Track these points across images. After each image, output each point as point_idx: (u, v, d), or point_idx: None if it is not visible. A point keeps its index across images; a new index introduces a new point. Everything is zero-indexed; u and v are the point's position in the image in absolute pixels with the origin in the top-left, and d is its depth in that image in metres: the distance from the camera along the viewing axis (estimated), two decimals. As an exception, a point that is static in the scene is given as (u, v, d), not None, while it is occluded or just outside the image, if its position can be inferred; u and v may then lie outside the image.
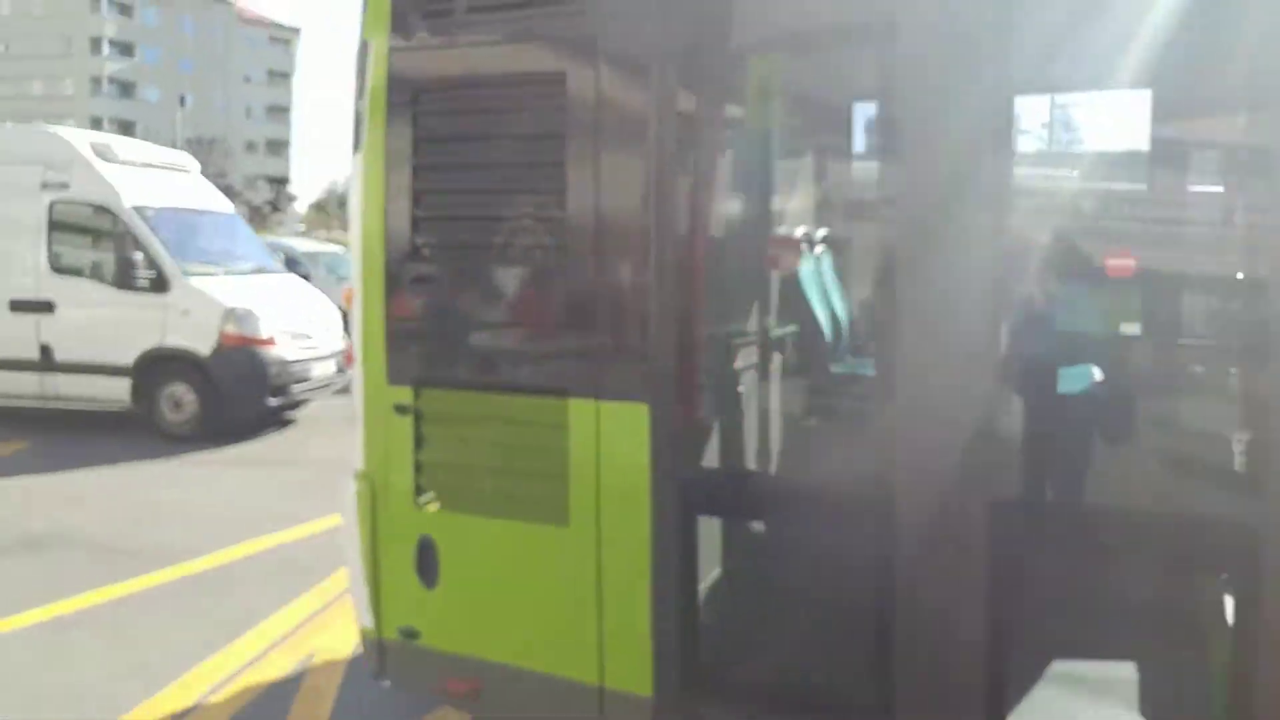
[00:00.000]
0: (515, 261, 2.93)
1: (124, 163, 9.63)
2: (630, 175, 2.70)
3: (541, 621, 2.98)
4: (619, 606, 2.81)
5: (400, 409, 3.07)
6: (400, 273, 3.05)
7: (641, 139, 2.66)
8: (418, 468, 3.08)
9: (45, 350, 9.20)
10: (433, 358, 3.08)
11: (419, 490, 3.08)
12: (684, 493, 2.74)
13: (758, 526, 3.46)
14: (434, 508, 3.07)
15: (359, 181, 3.08)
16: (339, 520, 3.30)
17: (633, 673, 2.81)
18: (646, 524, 2.75)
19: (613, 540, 2.81)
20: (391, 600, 3.16)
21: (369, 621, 3.21)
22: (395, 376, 3.08)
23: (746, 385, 3.47)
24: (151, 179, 9.83)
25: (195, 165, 10.98)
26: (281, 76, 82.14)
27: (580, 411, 2.83)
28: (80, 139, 9.76)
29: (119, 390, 9.09)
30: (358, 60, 3.05)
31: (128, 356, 8.98)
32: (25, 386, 9.34)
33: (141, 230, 9.11)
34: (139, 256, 9.04)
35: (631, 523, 2.78)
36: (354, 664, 4.17)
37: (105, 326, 9.12)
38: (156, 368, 8.99)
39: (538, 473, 2.91)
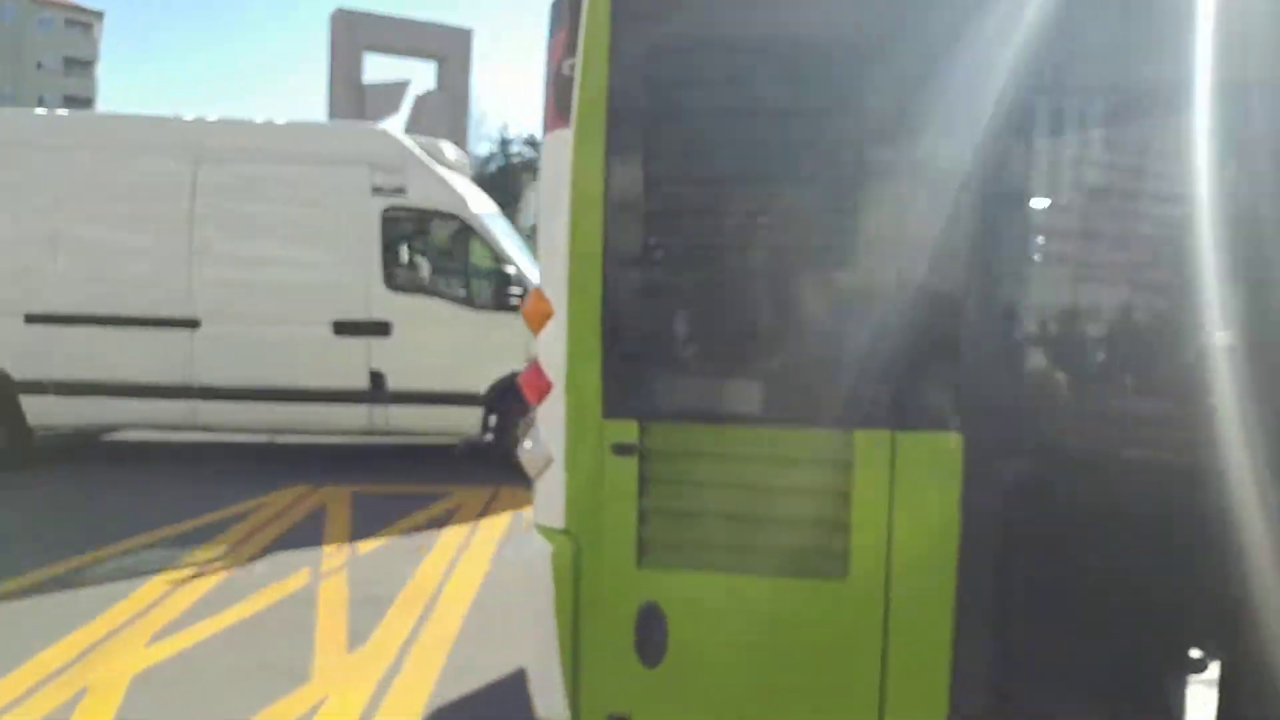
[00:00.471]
0: (781, 265, 2.43)
1: (451, 165, 8.16)
2: (944, 160, 2.26)
3: (799, 689, 2.48)
4: (905, 659, 2.37)
5: (621, 449, 2.48)
6: (625, 281, 2.46)
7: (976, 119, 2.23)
8: (642, 519, 2.50)
9: (377, 378, 7.64)
10: (667, 386, 2.52)
11: (642, 548, 2.51)
12: (1001, 533, 2.33)
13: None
14: (664, 568, 2.50)
15: (564, 166, 2.47)
16: (512, 587, 2.67)
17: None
18: (950, 570, 2.33)
19: (904, 590, 2.36)
20: (598, 684, 2.56)
21: (562, 713, 2.59)
22: (614, 409, 2.49)
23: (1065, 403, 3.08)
24: (465, 181, 8.40)
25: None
26: (81, 65, 74.79)
27: (870, 445, 2.36)
28: (405, 136, 8.12)
29: (465, 420, 7.76)
30: (562, 7, 2.46)
31: (480, 383, 7.65)
32: (351, 420, 7.77)
33: (496, 241, 7.74)
34: (506, 270, 7.67)
35: (930, 569, 2.34)
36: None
37: (454, 350, 7.69)
38: (512, 394, 6.85)
39: (808, 519, 2.42)
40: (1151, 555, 2.34)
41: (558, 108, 2.47)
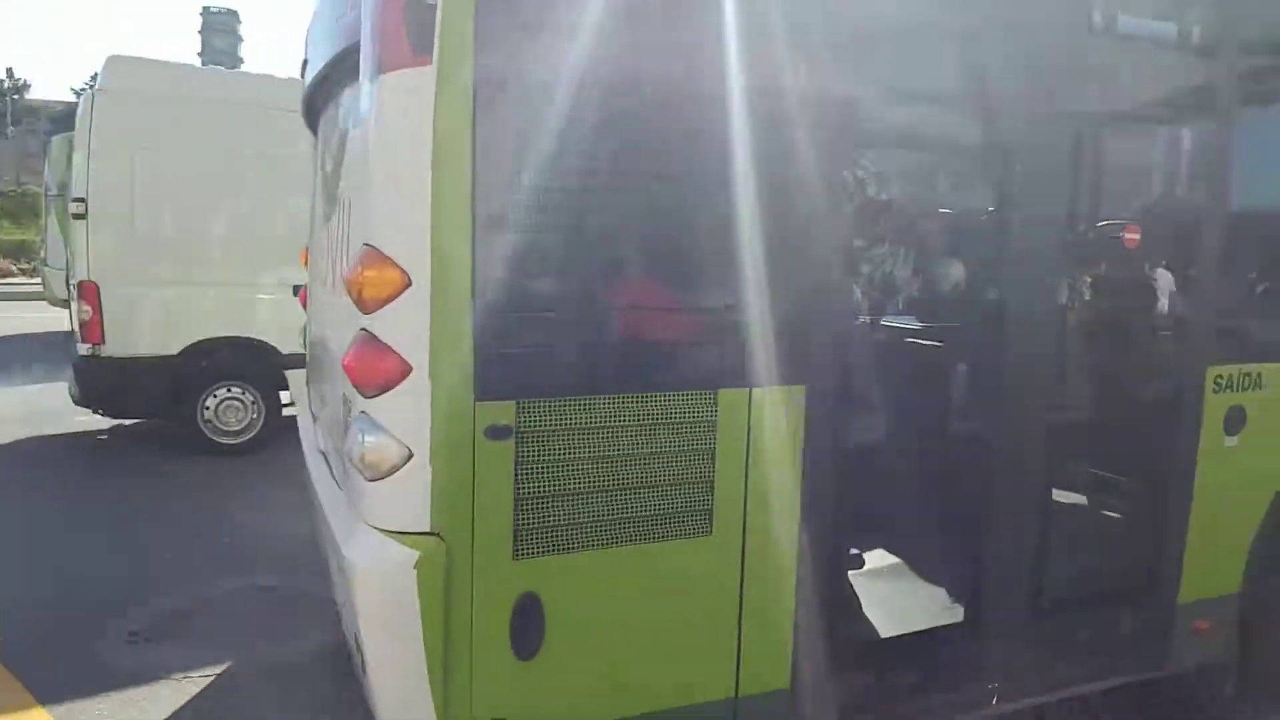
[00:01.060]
0: (664, 229, 2.39)
1: None
2: (807, 126, 2.43)
3: (672, 653, 2.55)
4: (760, 607, 2.59)
5: (497, 433, 2.24)
6: (500, 246, 2.19)
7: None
8: (518, 507, 2.30)
9: None
10: (544, 360, 2.31)
11: (518, 538, 2.31)
12: (837, 477, 2.64)
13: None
14: (540, 556, 2.34)
15: (419, 113, 2.09)
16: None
17: (770, 671, 2.63)
18: (795, 514, 2.58)
19: (758, 539, 2.56)
20: (474, 694, 2.32)
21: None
22: (490, 389, 2.22)
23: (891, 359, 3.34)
24: None
25: None
26: None
27: (731, 403, 2.47)
28: None
29: None
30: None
31: None
32: None
33: None
34: None
35: (779, 515, 2.57)
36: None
37: None
38: None
39: (680, 481, 2.46)
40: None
41: (411, 42, 2.08)
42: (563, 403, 2.31)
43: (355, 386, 2.28)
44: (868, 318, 2.96)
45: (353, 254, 2.39)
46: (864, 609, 2.82)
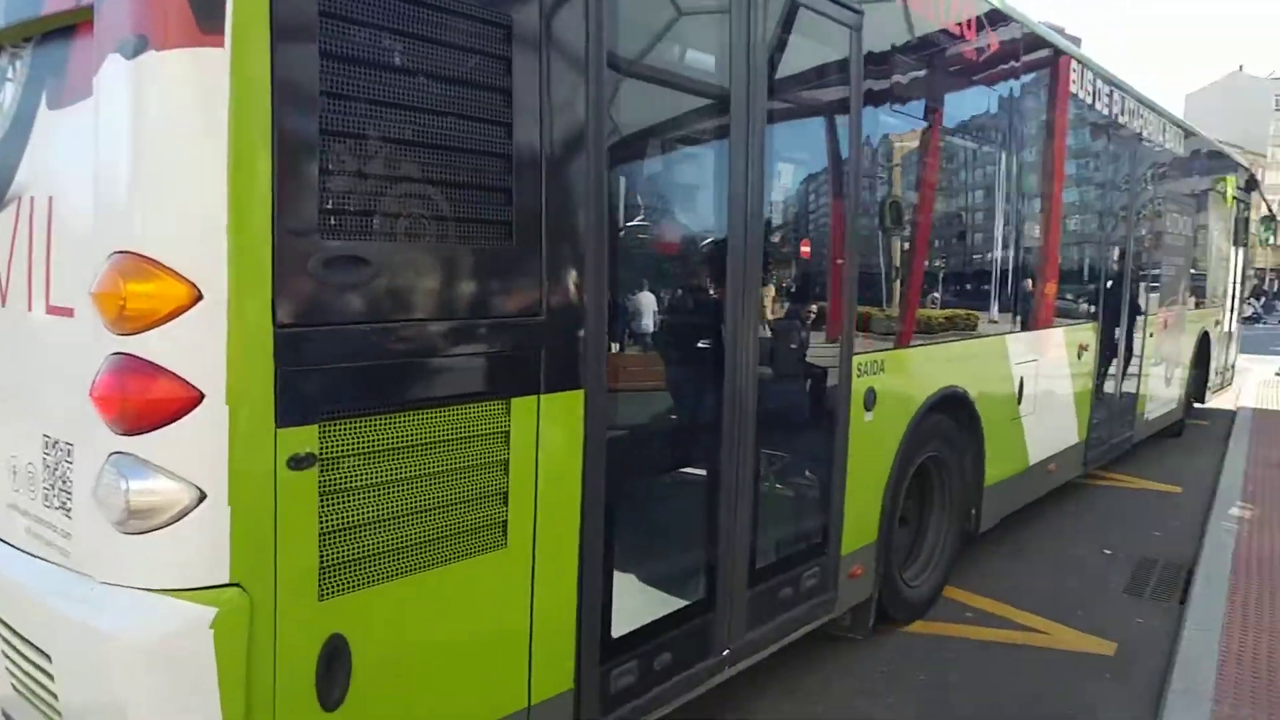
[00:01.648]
0: (465, 235, 2.30)
1: None
2: (583, 132, 2.52)
3: (473, 673, 2.49)
4: (548, 613, 2.64)
5: (299, 462, 1.99)
6: (301, 256, 1.96)
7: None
8: (323, 542, 2.07)
9: None
10: (348, 377, 2.09)
11: (324, 577, 2.08)
12: (613, 478, 2.76)
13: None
14: (345, 593, 2.13)
15: (210, 99, 1.80)
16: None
17: (557, 674, 2.69)
18: (576, 517, 2.67)
19: (546, 545, 2.60)
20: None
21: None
22: (290, 414, 1.97)
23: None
24: None
25: None
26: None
27: (522, 411, 2.48)
28: None
29: None
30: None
31: None
32: None
33: None
34: None
35: (563, 520, 2.65)
36: None
37: None
38: None
39: (477, 494, 2.41)
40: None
41: (197, 17, 1.79)
42: (365, 422, 2.13)
43: (110, 421, 1.88)
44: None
45: (78, 263, 1.97)
46: (633, 597, 2.98)
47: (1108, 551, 5.89)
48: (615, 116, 2.76)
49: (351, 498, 2.12)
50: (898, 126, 4.31)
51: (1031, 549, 5.88)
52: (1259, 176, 12.00)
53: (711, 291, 3.24)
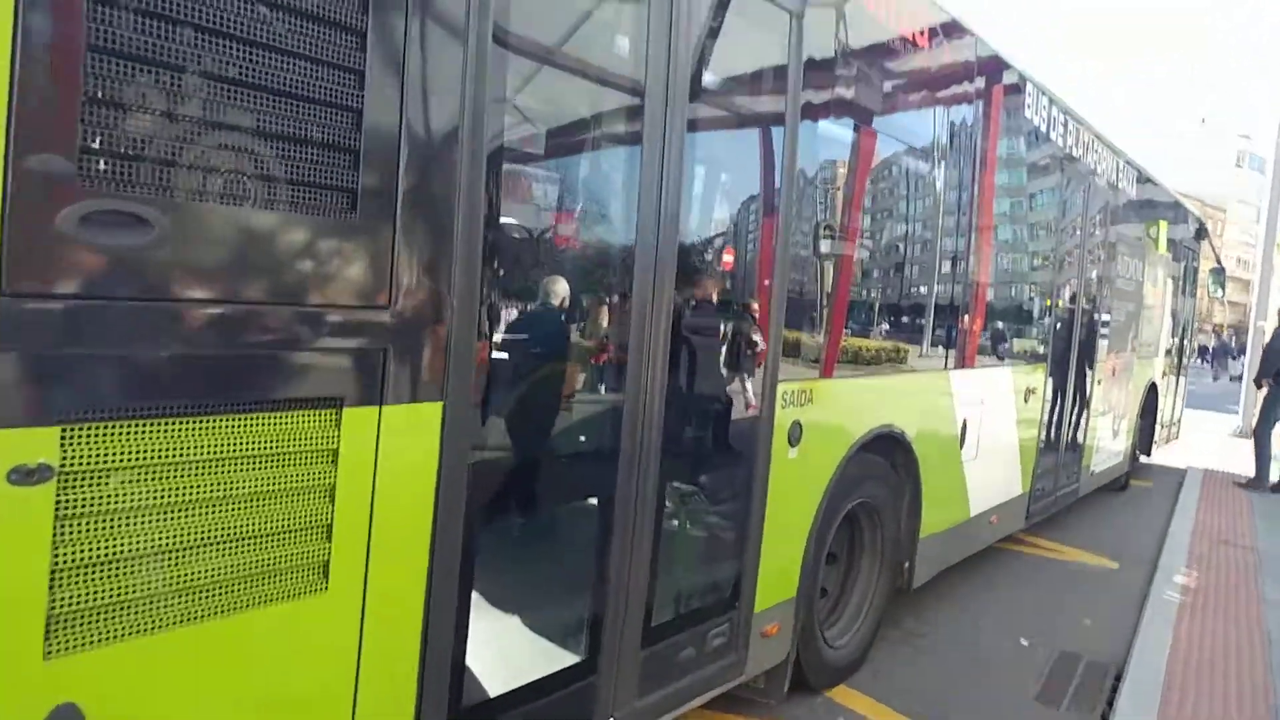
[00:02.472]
0: (290, 199, 1.85)
1: None
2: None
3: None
4: (380, 669, 2.17)
5: (25, 475, 1.52)
6: (45, 207, 1.50)
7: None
8: (56, 581, 1.59)
9: None
10: (115, 369, 1.62)
11: (52, 628, 1.60)
12: (474, 510, 2.31)
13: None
14: (82, 650, 1.64)
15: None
16: None
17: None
18: (424, 555, 2.21)
19: (382, 588, 2.14)
20: None
21: None
22: (16, 409, 1.50)
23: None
24: None
25: None
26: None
27: (357, 425, 2.03)
28: None
29: None
30: None
31: None
32: None
33: None
34: None
35: (406, 558, 2.19)
36: None
37: None
38: None
39: (288, 524, 1.94)
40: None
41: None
42: (130, 428, 1.66)
43: None
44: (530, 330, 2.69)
45: None
46: (494, 658, 2.52)
47: (1025, 642, 5.14)
48: (504, 93, 2.35)
49: (104, 524, 1.65)
50: (841, 135, 3.95)
51: (939, 631, 5.20)
52: (1216, 230, 12.01)
53: (616, 298, 2.83)
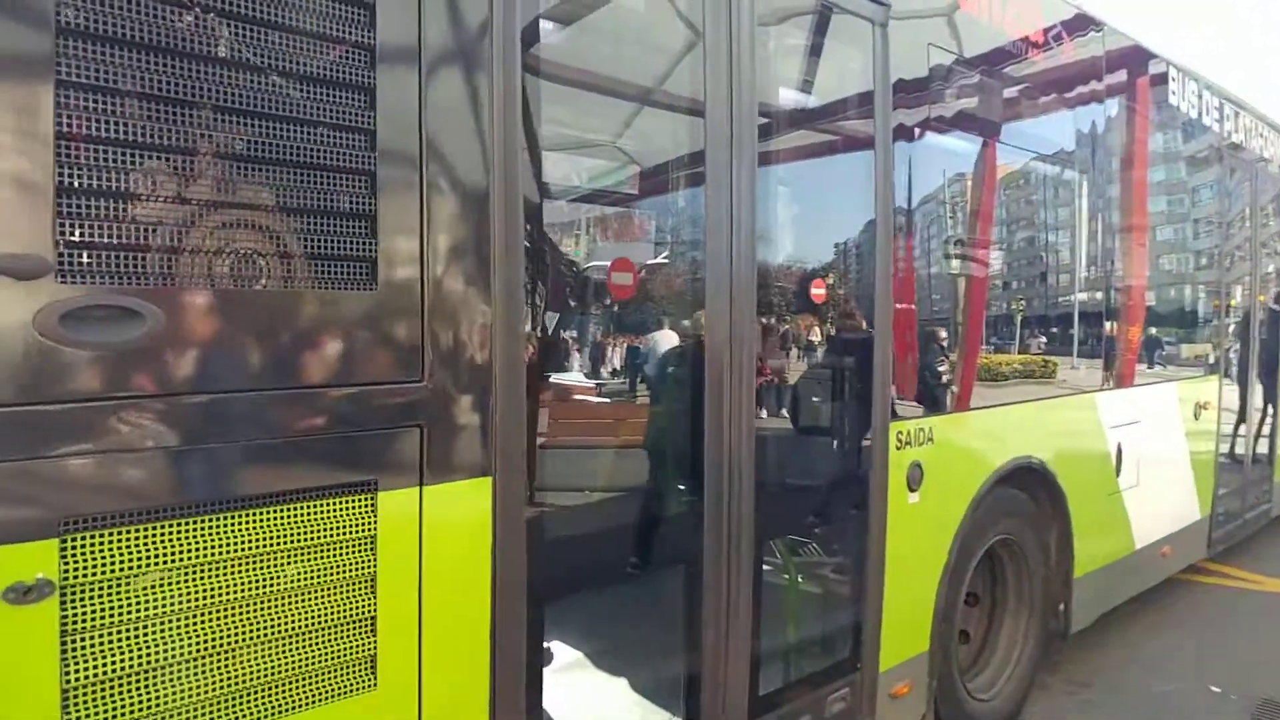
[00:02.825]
0: (297, 275, 1.75)
1: None
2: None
3: None
4: None
5: (22, 593, 1.45)
6: (21, 312, 1.44)
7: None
8: (69, 705, 1.51)
9: None
10: (116, 470, 1.55)
11: (67, 747, 1.52)
12: (538, 590, 2.13)
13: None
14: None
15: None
16: None
17: None
18: (485, 643, 2.04)
19: (440, 684, 1.97)
20: None
21: None
22: (15, 525, 1.44)
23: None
24: None
25: None
26: None
27: (395, 508, 1.88)
28: None
29: None
30: None
31: None
32: None
33: None
34: None
35: (465, 648, 2.02)
36: None
37: None
38: None
39: (323, 620, 1.81)
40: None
41: None
42: (138, 534, 1.57)
43: None
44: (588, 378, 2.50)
45: None
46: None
47: (1216, 689, 4.45)
48: (540, 130, 2.18)
49: (115, 637, 1.56)
50: (949, 145, 3.59)
51: (1109, 679, 4.54)
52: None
53: (690, 338, 2.60)
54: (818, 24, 2.96)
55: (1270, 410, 6.60)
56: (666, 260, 2.77)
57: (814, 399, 3.09)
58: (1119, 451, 4.58)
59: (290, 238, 1.75)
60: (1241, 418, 6.18)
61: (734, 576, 2.62)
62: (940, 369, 3.48)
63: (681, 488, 2.62)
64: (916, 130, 3.33)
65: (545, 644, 2.16)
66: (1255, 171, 6.36)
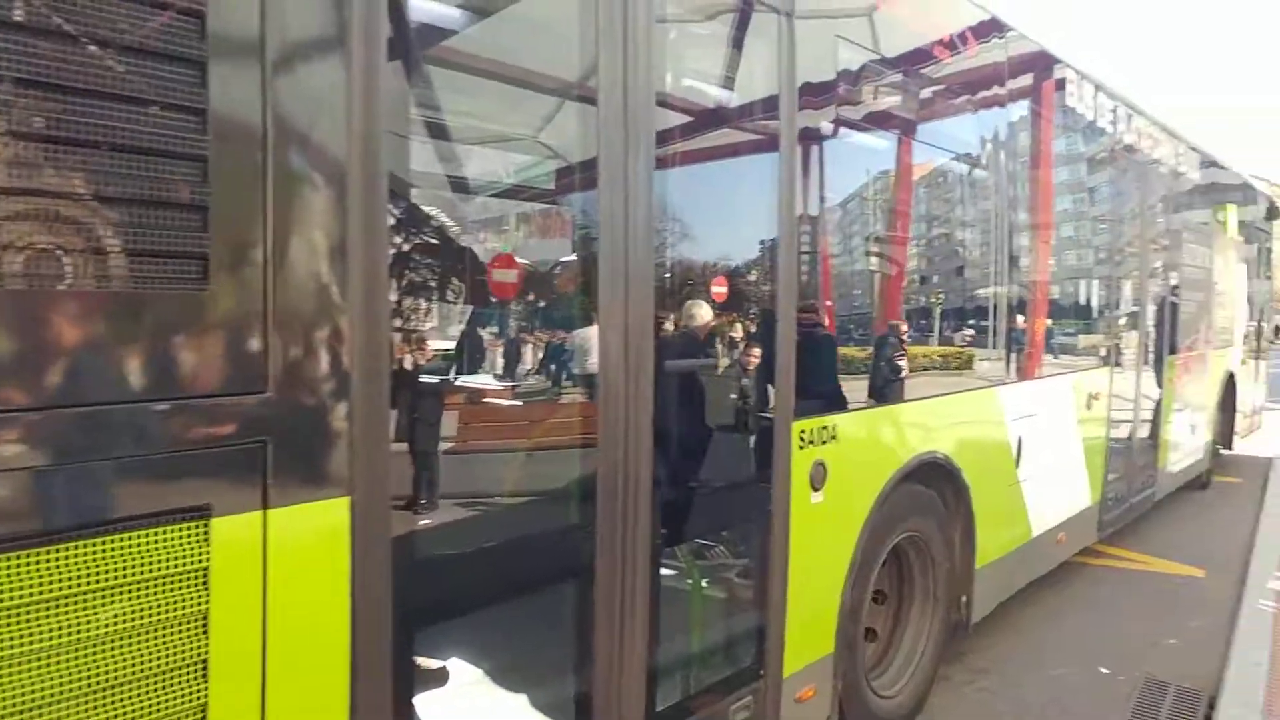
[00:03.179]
0: (114, 274, 1.48)
1: None
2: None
3: None
4: None
5: None
6: None
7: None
8: None
9: None
10: None
11: None
12: (409, 609, 1.91)
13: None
14: None
15: None
16: None
17: None
18: (343, 673, 1.82)
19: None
20: None
21: None
22: None
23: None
24: None
25: None
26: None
27: (232, 536, 1.64)
28: None
29: None
30: None
31: None
32: None
33: None
34: None
35: (316, 682, 1.79)
36: None
37: None
38: None
39: (140, 669, 1.56)
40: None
41: None
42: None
43: None
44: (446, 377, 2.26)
45: None
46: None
47: (1104, 670, 4.59)
48: (412, 107, 1.95)
49: None
50: (850, 142, 3.48)
51: (1007, 666, 4.60)
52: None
53: (583, 339, 2.42)
54: (722, 12, 2.80)
55: (1153, 401, 6.82)
56: (556, 256, 2.56)
57: (714, 399, 2.94)
58: (1019, 444, 4.60)
59: (102, 229, 1.49)
60: (1129, 406, 6.35)
61: (628, 585, 2.45)
62: (844, 366, 3.38)
63: (572, 493, 2.43)
64: (822, 126, 3.21)
65: (416, 680, 1.95)
66: (1146, 172, 6.52)
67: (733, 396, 3.08)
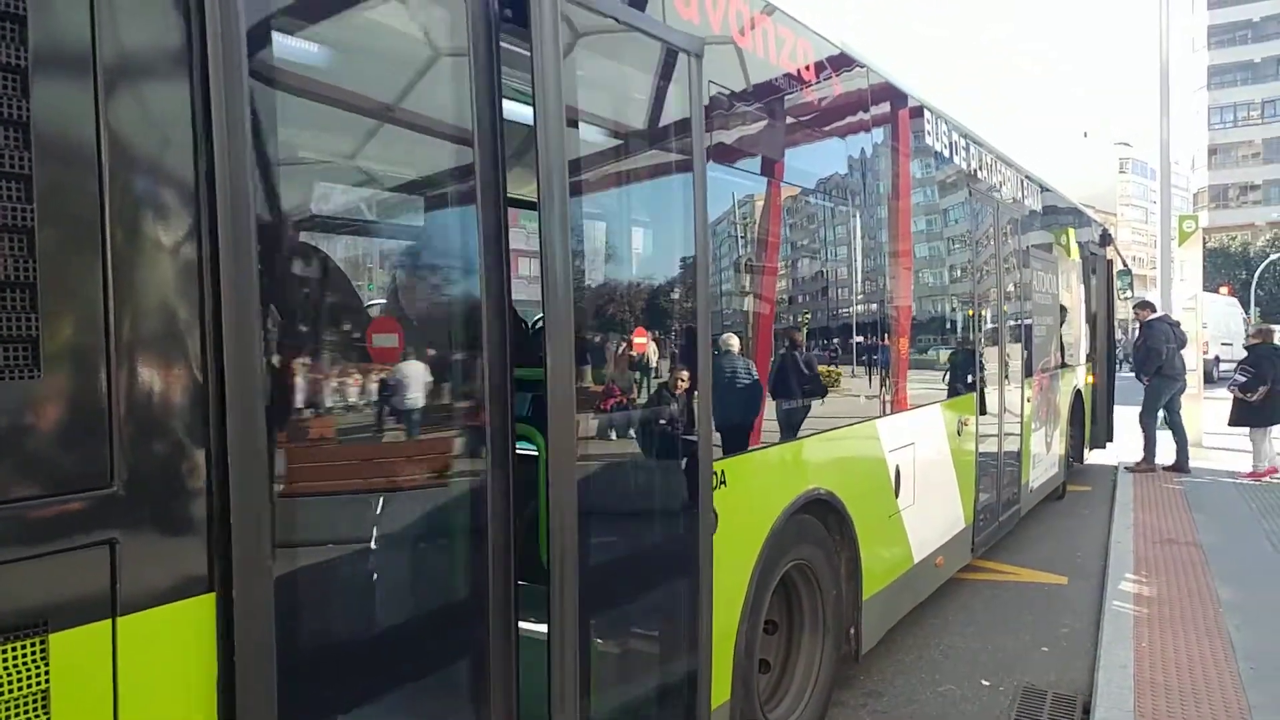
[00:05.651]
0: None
1: None
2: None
3: None
4: None
5: None
6: None
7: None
8: None
9: None
10: None
11: None
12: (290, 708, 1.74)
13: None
14: None
15: None
16: None
17: None
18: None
19: None
20: None
21: None
22: None
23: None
24: None
25: None
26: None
27: (73, 651, 1.45)
28: None
29: None
30: None
31: None
32: None
33: None
34: None
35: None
36: None
37: None
38: None
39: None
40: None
41: None
42: None
43: None
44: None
45: None
46: None
47: (985, 682, 4.76)
48: (280, 143, 1.82)
49: None
50: (733, 180, 3.50)
51: (897, 687, 4.71)
52: (1112, 233, 11.97)
53: (458, 397, 2.29)
54: (631, 54, 2.78)
55: (1014, 423, 7.16)
56: (445, 298, 2.43)
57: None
58: (897, 473, 4.72)
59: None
60: (994, 428, 6.64)
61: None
62: (730, 411, 3.37)
63: (458, 563, 2.30)
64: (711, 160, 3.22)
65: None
66: (992, 203, 6.87)
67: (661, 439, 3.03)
